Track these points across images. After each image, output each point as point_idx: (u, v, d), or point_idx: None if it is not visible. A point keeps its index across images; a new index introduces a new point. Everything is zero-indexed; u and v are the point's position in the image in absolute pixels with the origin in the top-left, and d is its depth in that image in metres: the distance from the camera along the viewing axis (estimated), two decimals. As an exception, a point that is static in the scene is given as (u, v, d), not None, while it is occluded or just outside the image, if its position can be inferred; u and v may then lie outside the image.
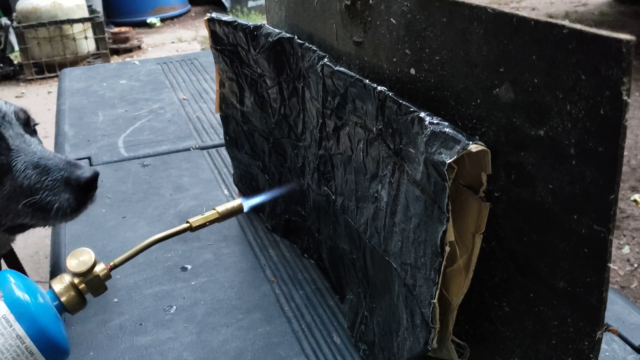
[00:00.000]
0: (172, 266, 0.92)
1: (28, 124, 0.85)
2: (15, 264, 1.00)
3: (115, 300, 0.85)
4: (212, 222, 0.69)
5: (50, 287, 0.61)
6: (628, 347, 0.74)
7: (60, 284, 0.61)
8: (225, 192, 1.13)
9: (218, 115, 1.04)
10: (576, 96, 0.39)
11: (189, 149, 1.31)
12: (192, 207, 1.08)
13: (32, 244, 2.15)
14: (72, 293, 0.61)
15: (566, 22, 0.39)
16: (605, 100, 0.37)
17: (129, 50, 4.51)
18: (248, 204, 0.73)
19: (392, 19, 0.58)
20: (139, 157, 1.27)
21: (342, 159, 0.71)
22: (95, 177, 0.79)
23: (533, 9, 4.99)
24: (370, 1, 0.62)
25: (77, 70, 1.94)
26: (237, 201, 0.72)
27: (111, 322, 0.81)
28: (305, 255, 0.93)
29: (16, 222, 0.81)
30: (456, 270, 0.51)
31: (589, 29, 0.37)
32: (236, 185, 1.09)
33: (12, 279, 0.56)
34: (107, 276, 0.64)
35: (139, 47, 4.59)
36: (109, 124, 1.44)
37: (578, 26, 0.38)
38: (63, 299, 0.60)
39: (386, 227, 0.61)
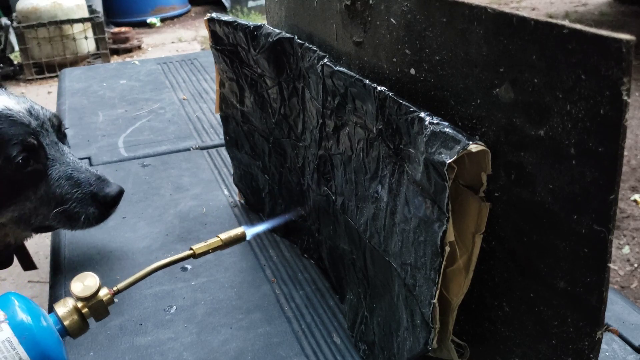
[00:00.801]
0: (172, 266, 0.92)
1: (60, 130, 0.91)
2: (25, 256, 1.01)
3: (116, 300, 0.85)
4: (215, 249, 0.70)
5: (53, 310, 0.61)
6: (628, 347, 0.74)
7: (63, 308, 0.61)
8: (225, 192, 1.13)
9: (218, 115, 1.04)
10: (576, 96, 0.39)
11: (189, 149, 1.31)
12: (192, 207, 1.08)
13: (32, 244, 2.15)
14: (75, 317, 0.61)
15: (566, 22, 0.39)
16: (605, 100, 0.37)
17: (129, 50, 4.51)
18: (251, 232, 0.74)
19: (392, 19, 0.58)
20: (139, 157, 1.27)
21: (342, 159, 0.71)
22: (120, 194, 0.88)
23: (533, 9, 4.99)
24: (370, 1, 0.62)
25: (77, 70, 1.94)
26: (239, 229, 0.73)
27: (111, 322, 0.80)
28: (305, 255, 0.93)
29: (44, 223, 0.87)
30: (456, 270, 0.51)
31: (589, 29, 0.37)
32: (236, 185, 1.09)
33: (16, 301, 0.56)
34: (110, 301, 0.64)
35: (139, 47, 4.59)
36: (109, 124, 1.44)
37: (578, 26, 0.38)
38: (66, 322, 0.60)
39: (386, 227, 0.61)
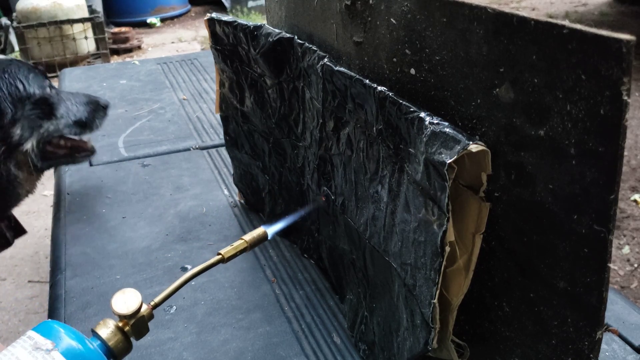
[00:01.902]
0: (172, 266, 0.92)
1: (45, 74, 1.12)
2: (14, 223, 1.08)
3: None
4: (241, 251, 0.69)
5: (93, 332, 0.59)
6: (628, 347, 0.74)
7: (105, 329, 0.58)
8: (225, 192, 1.13)
9: (218, 115, 1.04)
10: (576, 96, 0.39)
11: (189, 149, 1.31)
12: (192, 207, 1.08)
13: (32, 244, 2.15)
14: (119, 336, 0.57)
15: (566, 22, 0.39)
16: (605, 100, 0.37)
17: (129, 50, 4.51)
18: (271, 231, 0.74)
19: (392, 19, 0.58)
20: (139, 157, 1.27)
21: (342, 159, 0.71)
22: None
23: (533, 9, 4.99)
24: (370, 1, 0.62)
25: (77, 70, 1.94)
26: (260, 229, 0.72)
27: (111, 322, 0.80)
28: (305, 255, 0.93)
29: (59, 143, 1.07)
30: (456, 270, 0.51)
31: (589, 29, 0.37)
32: (236, 185, 1.09)
33: (58, 328, 0.55)
34: (150, 316, 0.60)
35: (139, 47, 4.59)
36: (109, 124, 1.44)
37: (578, 26, 0.38)
38: (111, 343, 0.57)
39: (386, 227, 0.61)
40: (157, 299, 0.61)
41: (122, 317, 0.58)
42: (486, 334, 0.55)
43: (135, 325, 0.59)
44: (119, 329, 0.58)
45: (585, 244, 0.41)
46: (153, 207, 1.08)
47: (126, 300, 0.58)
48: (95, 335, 0.57)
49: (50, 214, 1.67)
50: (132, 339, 0.59)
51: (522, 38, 0.42)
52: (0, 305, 1.88)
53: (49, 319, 0.56)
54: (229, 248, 0.68)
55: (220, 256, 0.67)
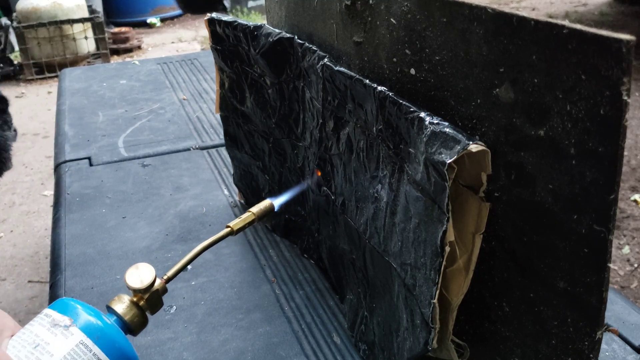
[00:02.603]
0: (172, 266, 0.92)
1: None
2: None
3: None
4: (249, 224, 0.69)
5: (109, 308, 0.58)
6: (628, 347, 0.74)
7: (120, 304, 0.58)
8: (225, 192, 1.13)
9: (218, 115, 1.04)
10: (576, 96, 0.39)
11: (189, 149, 1.31)
12: (192, 207, 1.08)
13: (32, 244, 2.15)
14: (135, 311, 0.57)
15: (566, 22, 0.39)
16: (605, 100, 0.37)
17: (129, 50, 4.51)
18: (277, 202, 0.74)
19: (392, 19, 0.58)
20: (139, 157, 1.27)
21: (342, 159, 0.71)
22: None
23: (533, 9, 4.99)
24: (370, 1, 0.62)
25: (77, 70, 1.94)
26: (266, 201, 0.72)
27: (111, 322, 0.80)
28: (305, 255, 0.93)
29: None
30: (456, 270, 0.51)
31: (589, 29, 0.37)
32: (236, 185, 1.09)
33: (74, 304, 0.54)
34: (164, 290, 0.60)
35: (139, 47, 4.59)
36: (109, 124, 1.44)
37: (578, 26, 0.38)
38: (127, 318, 0.57)
39: (386, 227, 0.61)
40: (169, 273, 0.61)
41: (136, 292, 0.58)
42: (486, 334, 0.55)
43: (150, 300, 0.59)
44: (134, 304, 0.58)
45: (585, 244, 0.41)
46: (153, 207, 1.08)
47: (140, 275, 0.58)
48: (111, 310, 0.57)
49: (50, 214, 1.67)
50: (147, 314, 0.59)
51: (522, 38, 0.42)
52: (0, 305, 1.88)
53: (65, 297, 0.56)
54: (237, 220, 0.68)
55: (229, 229, 0.67)
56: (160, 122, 1.44)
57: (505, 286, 0.51)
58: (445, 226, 0.49)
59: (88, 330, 0.52)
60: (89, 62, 4.10)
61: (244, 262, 0.93)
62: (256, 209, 0.70)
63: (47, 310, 0.53)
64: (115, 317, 0.56)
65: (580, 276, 0.43)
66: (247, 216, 0.69)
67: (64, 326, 0.51)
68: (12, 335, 0.50)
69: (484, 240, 0.50)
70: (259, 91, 0.88)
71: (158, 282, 0.59)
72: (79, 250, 0.97)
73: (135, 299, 0.58)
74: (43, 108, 3.44)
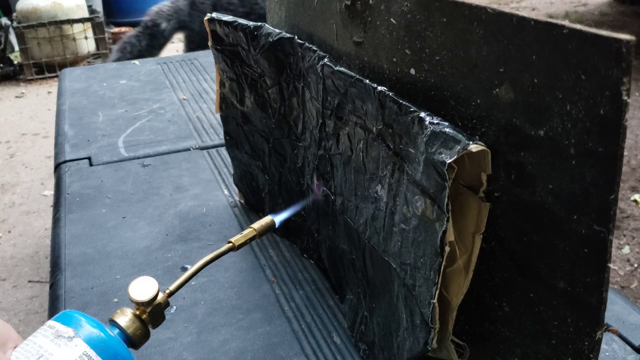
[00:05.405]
0: (172, 266, 0.92)
1: None
2: None
3: (115, 300, 0.85)
4: (251, 239, 0.70)
5: (111, 321, 0.59)
6: (628, 347, 0.74)
7: (123, 317, 0.58)
8: (225, 192, 1.13)
9: (218, 115, 1.04)
10: (576, 96, 0.39)
11: (189, 149, 1.31)
12: (192, 207, 1.08)
13: (32, 244, 2.15)
14: (138, 324, 0.58)
15: (566, 22, 0.39)
16: (605, 100, 0.37)
17: (129, 50, 4.51)
18: (278, 219, 0.75)
19: (392, 19, 0.58)
20: (139, 157, 1.27)
21: (342, 159, 0.71)
22: None
23: (533, 9, 4.99)
24: (370, 1, 0.62)
25: (77, 70, 1.94)
26: (267, 218, 0.73)
27: (111, 322, 0.80)
28: (305, 255, 0.93)
29: None
30: (456, 270, 0.51)
31: (589, 29, 0.37)
32: (236, 185, 1.09)
33: (81, 317, 0.55)
34: (167, 304, 0.61)
35: (139, 47, 4.59)
36: (109, 124, 1.44)
37: (578, 26, 0.38)
38: (129, 331, 0.57)
39: (385, 227, 0.61)
40: (171, 287, 0.62)
41: (139, 305, 0.59)
42: (486, 334, 0.55)
43: (152, 313, 0.59)
44: (137, 317, 0.58)
45: (585, 244, 0.41)
46: (153, 207, 1.08)
47: (143, 288, 0.59)
48: (114, 323, 0.58)
49: (50, 214, 1.67)
50: (150, 327, 0.59)
51: (522, 38, 0.42)
52: (0, 305, 1.88)
53: (68, 309, 0.56)
54: (238, 236, 0.69)
55: (230, 244, 0.68)
56: (160, 122, 1.44)
57: (505, 286, 0.51)
58: (445, 226, 0.49)
59: (91, 341, 0.52)
60: (89, 62, 4.10)
61: (244, 262, 0.93)
62: (258, 225, 0.71)
63: (51, 322, 0.53)
64: (117, 330, 0.57)
65: (580, 276, 0.43)
66: (248, 232, 0.70)
67: (67, 337, 0.51)
68: (15, 347, 0.50)
69: (484, 240, 0.50)
70: (259, 91, 0.88)
71: (160, 295, 0.60)
72: (79, 250, 0.97)
73: (137, 312, 0.58)
74: (43, 108, 3.44)
